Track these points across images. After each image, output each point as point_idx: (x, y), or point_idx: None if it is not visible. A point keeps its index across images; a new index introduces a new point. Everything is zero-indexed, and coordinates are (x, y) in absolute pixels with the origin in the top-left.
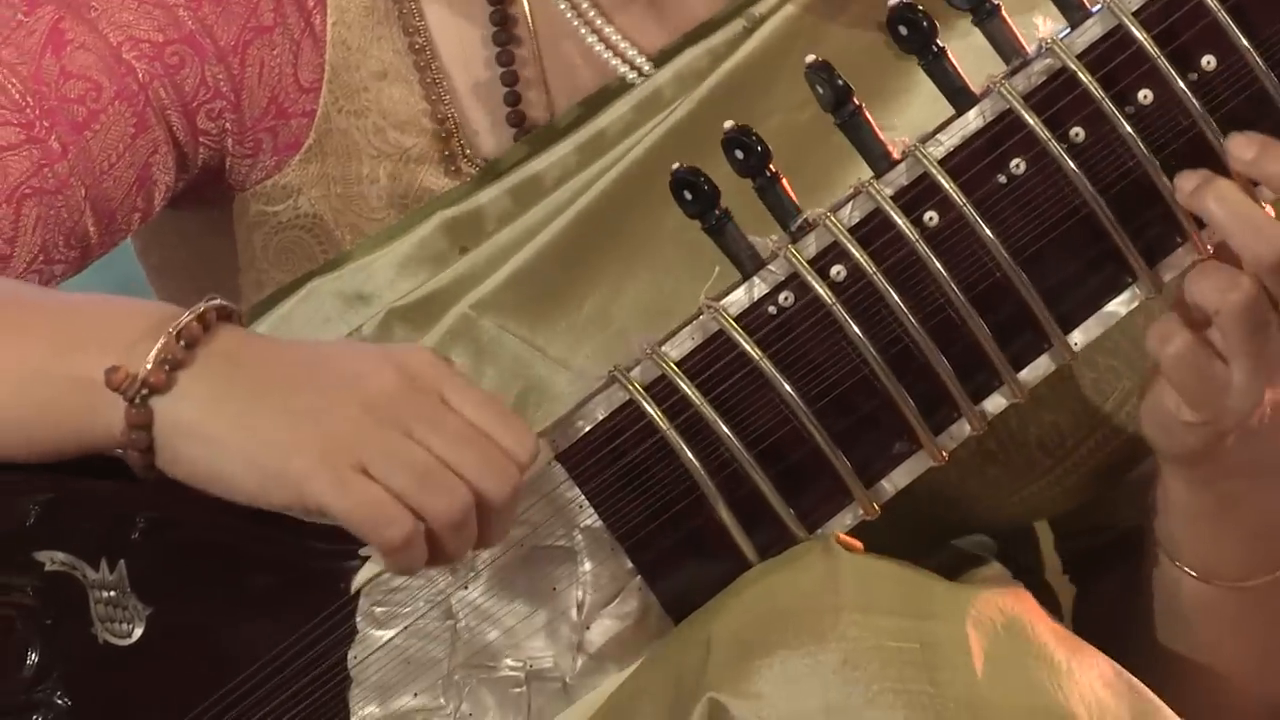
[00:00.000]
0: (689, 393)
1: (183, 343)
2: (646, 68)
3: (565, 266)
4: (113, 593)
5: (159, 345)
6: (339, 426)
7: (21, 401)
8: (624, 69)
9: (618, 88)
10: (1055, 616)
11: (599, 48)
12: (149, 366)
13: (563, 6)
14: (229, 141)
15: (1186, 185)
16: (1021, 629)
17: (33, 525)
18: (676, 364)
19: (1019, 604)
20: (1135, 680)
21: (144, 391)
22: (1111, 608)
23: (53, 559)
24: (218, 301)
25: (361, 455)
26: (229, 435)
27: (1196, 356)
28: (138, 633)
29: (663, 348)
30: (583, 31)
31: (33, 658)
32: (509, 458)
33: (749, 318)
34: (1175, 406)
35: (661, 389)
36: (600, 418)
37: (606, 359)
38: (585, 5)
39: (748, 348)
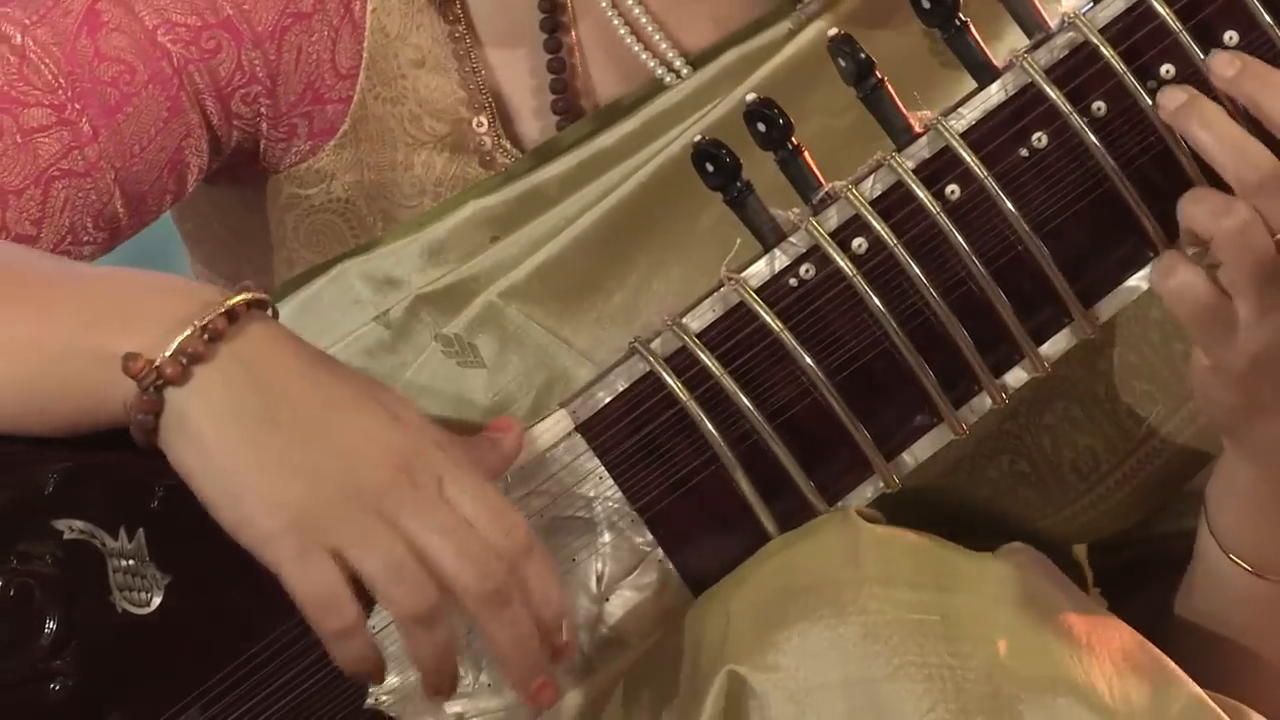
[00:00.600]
0: (709, 364)
1: (207, 336)
2: (684, 70)
3: (596, 259)
4: (131, 561)
5: (182, 337)
6: (324, 501)
7: (42, 378)
8: (660, 69)
9: (655, 86)
10: (1080, 587)
11: (636, 47)
12: (167, 355)
13: (603, 4)
14: (264, 125)
15: (1169, 103)
16: (1043, 602)
17: (51, 493)
18: (697, 336)
19: (1041, 577)
20: (1158, 652)
21: (159, 382)
22: (1144, 621)
23: (71, 527)
24: (249, 295)
25: (336, 538)
26: (222, 460)
27: (1198, 291)
28: (156, 601)
29: (683, 319)
30: (621, 31)
31: (51, 626)
32: (492, 552)
33: (770, 290)
34: (1199, 356)
35: (682, 361)
36: (620, 389)
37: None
38: (629, 2)
39: (768, 320)
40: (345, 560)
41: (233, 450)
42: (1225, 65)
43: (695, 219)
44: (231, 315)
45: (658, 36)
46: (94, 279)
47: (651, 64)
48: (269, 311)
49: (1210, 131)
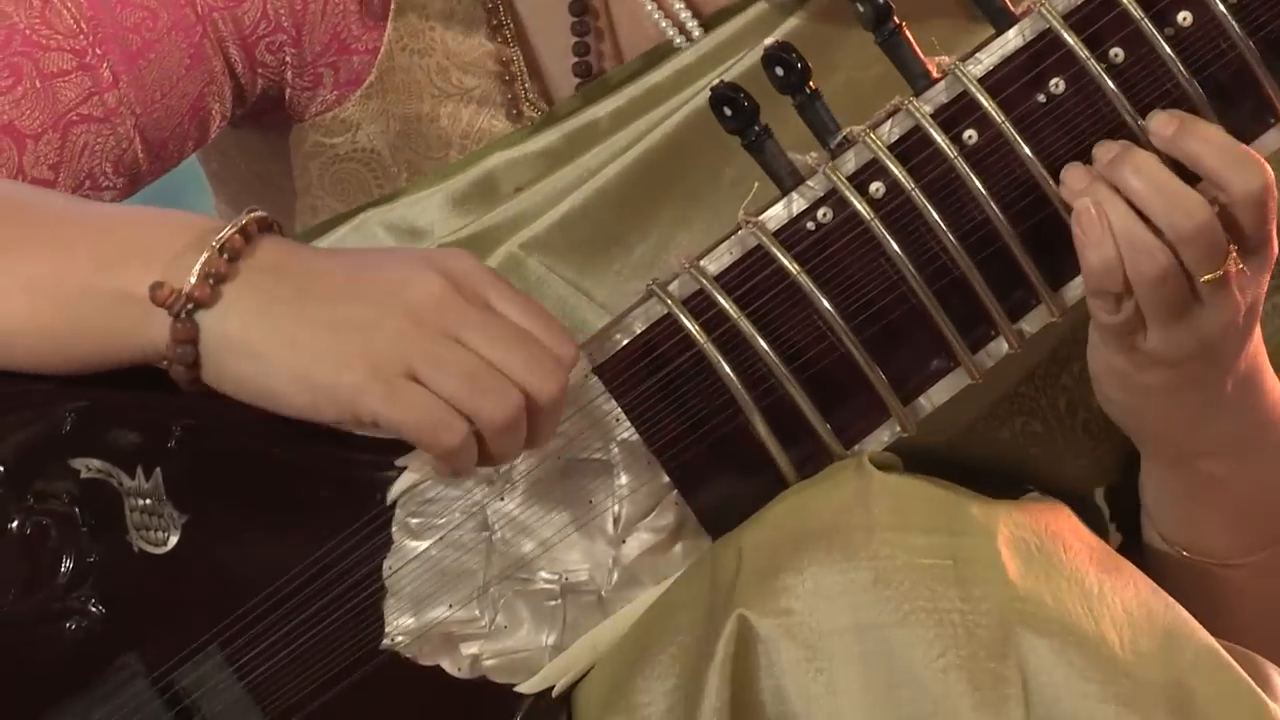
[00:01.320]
0: (726, 307)
1: (226, 256)
2: (696, 31)
3: (618, 212)
4: (148, 500)
5: (203, 259)
6: (387, 336)
7: (63, 317)
8: (671, 30)
9: (678, 41)
10: (1097, 533)
11: (657, 14)
12: (193, 281)
13: None
14: (288, 74)
15: (1104, 155)
16: (1055, 549)
17: (69, 432)
18: (714, 278)
19: (1054, 523)
20: (1171, 600)
21: (189, 306)
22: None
23: (88, 466)
24: (258, 213)
25: (411, 364)
26: (276, 350)
27: (1114, 280)
28: (173, 541)
29: (701, 262)
30: None
31: (67, 565)
32: (554, 358)
33: (787, 233)
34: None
35: (699, 303)
36: (638, 331)
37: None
38: None
39: (786, 263)
40: (425, 384)
41: (282, 338)
42: (1164, 125)
43: (719, 173)
44: (245, 234)
45: (679, 5)
46: (109, 218)
47: (672, 31)
48: (277, 230)
49: (1142, 178)
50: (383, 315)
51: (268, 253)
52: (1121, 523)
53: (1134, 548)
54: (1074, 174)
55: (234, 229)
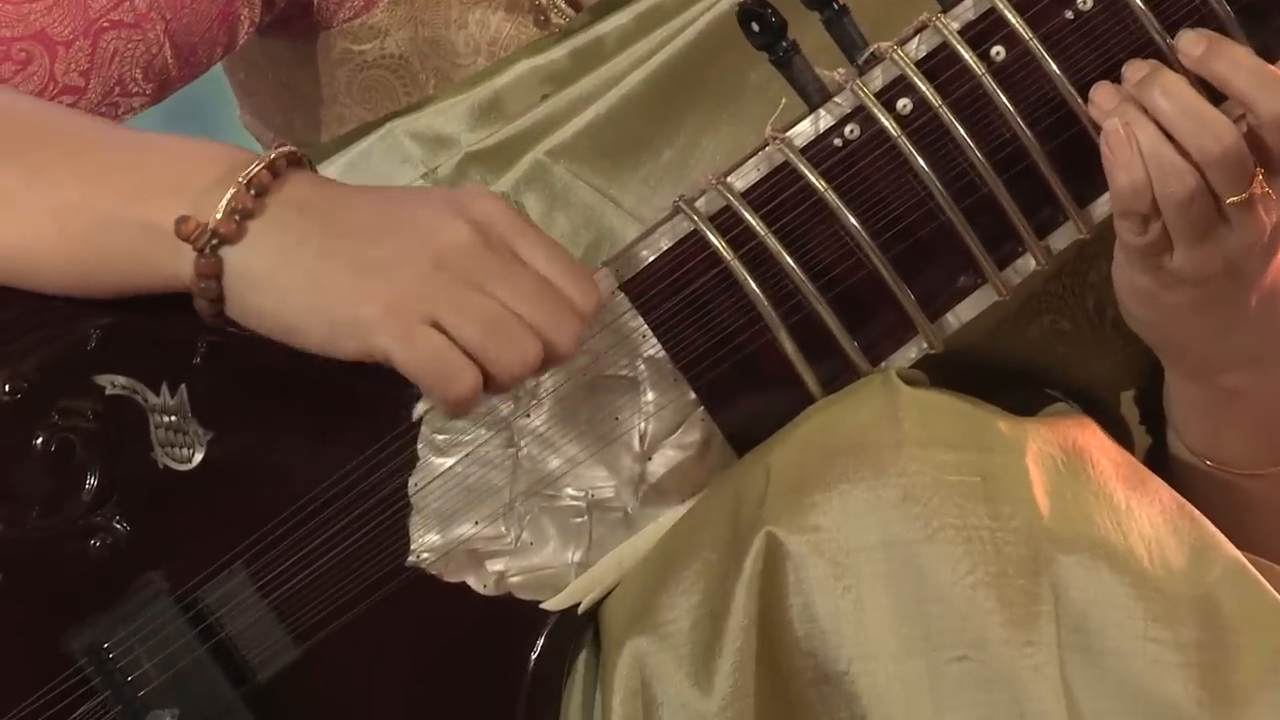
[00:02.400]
0: (753, 224)
1: (253, 191)
2: None
3: (645, 118)
4: (173, 417)
5: (230, 194)
6: (409, 279)
7: (89, 245)
8: None
9: None
10: (1123, 444)
11: None
12: (219, 216)
13: None
14: None
15: (1133, 75)
16: (1082, 465)
17: (94, 349)
18: (741, 195)
19: (1081, 439)
20: (1198, 514)
21: (214, 242)
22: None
23: (113, 383)
24: (287, 148)
25: (431, 308)
26: (298, 286)
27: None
28: (198, 457)
29: (728, 178)
30: None
31: (92, 481)
32: (574, 310)
33: (814, 149)
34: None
35: (726, 220)
36: (664, 248)
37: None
38: None
39: (813, 179)
40: (444, 330)
41: (305, 274)
42: (1192, 45)
43: (744, 77)
44: (274, 169)
45: None
46: (139, 146)
47: None
48: (306, 165)
49: (1171, 101)
50: (407, 257)
51: (295, 188)
52: (1150, 427)
53: (1161, 453)
54: (1103, 93)
55: (262, 165)
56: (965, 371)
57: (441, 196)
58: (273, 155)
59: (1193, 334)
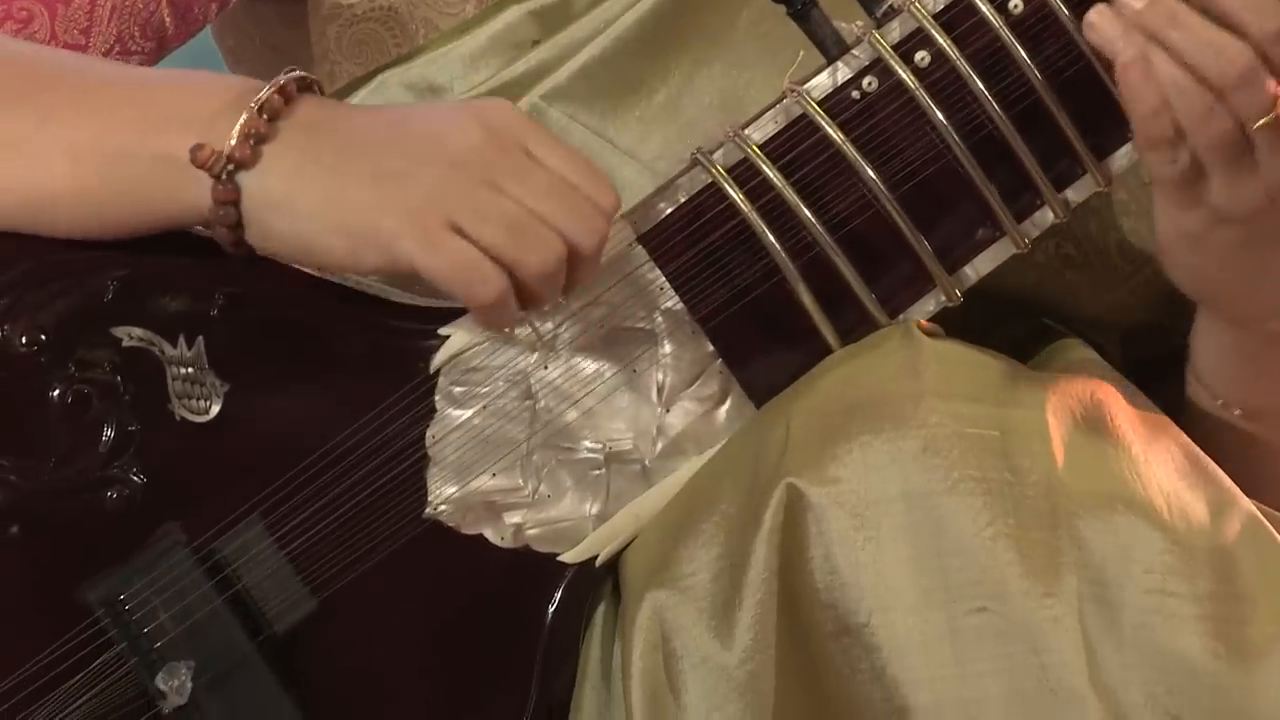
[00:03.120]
0: (771, 176)
1: (265, 116)
2: None
3: (638, 58)
4: (190, 369)
5: (242, 120)
6: (427, 185)
7: (104, 181)
8: None
9: None
10: (1143, 395)
11: None
12: (233, 142)
13: None
14: None
15: (1137, 3)
16: (1101, 418)
17: (110, 301)
18: (759, 147)
19: (1100, 391)
20: (1214, 466)
21: (230, 167)
22: (1172, 409)
23: (130, 335)
24: (297, 73)
25: (451, 212)
26: (317, 204)
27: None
28: (215, 409)
29: (745, 131)
30: None
31: (109, 434)
32: (595, 205)
33: (832, 102)
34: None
35: (744, 172)
36: (681, 200)
37: (676, 150)
38: None
39: (831, 132)
40: (466, 234)
41: (322, 191)
42: None
43: (735, 15)
44: (285, 94)
45: None
46: (148, 81)
47: None
48: (316, 90)
49: (1179, 29)
50: (422, 164)
51: (307, 111)
52: (1137, 380)
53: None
54: (1104, 18)
55: (273, 89)
56: (973, 302)
57: (452, 105)
58: (283, 80)
59: (1242, 277)
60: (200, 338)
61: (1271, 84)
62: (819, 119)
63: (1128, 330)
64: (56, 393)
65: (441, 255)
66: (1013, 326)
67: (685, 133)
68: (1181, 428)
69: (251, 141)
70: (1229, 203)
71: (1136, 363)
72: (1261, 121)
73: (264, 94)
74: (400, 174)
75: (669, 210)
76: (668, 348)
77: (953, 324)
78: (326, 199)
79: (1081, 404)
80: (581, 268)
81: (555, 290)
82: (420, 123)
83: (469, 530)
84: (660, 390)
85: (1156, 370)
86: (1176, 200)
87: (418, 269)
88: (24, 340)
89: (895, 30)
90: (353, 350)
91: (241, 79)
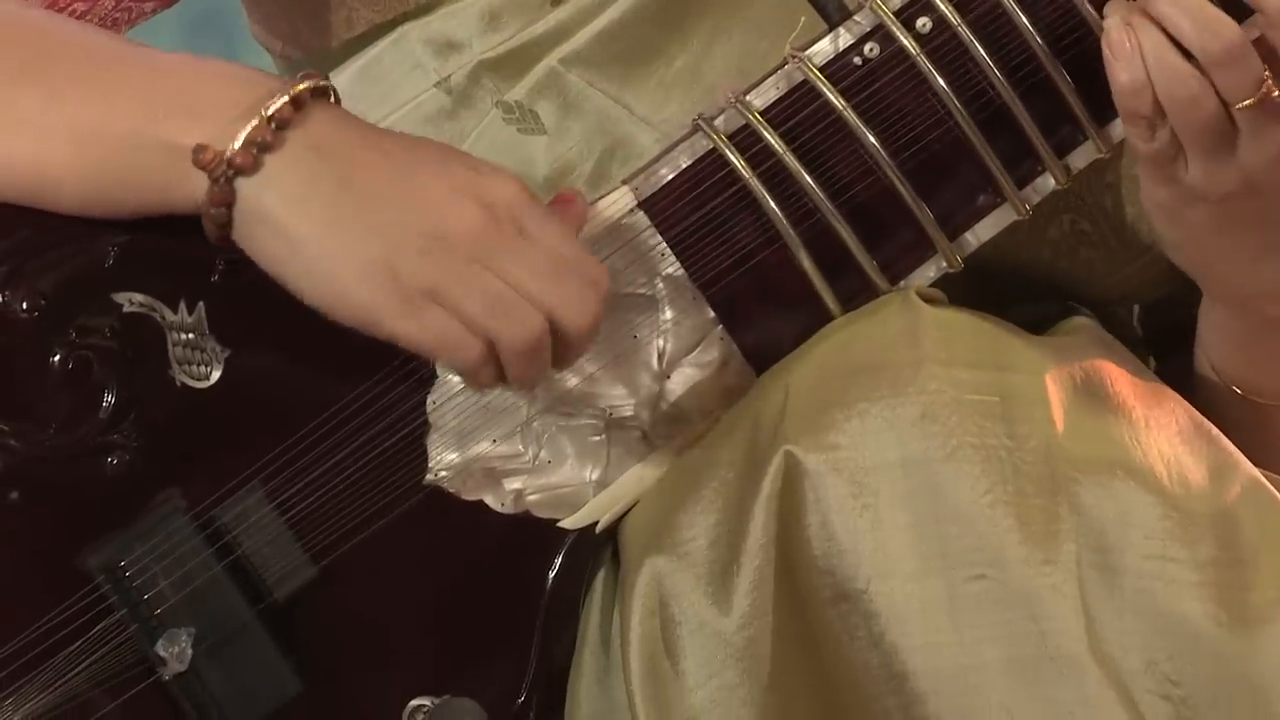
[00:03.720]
0: (772, 142)
1: (274, 125)
2: None
3: (657, 24)
4: (191, 335)
5: (250, 127)
6: (413, 252)
7: (107, 166)
8: None
9: None
10: (1142, 363)
11: None
12: (237, 147)
13: None
14: None
15: None
16: (1100, 384)
17: (111, 266)
18: (760, 113)
19: (1098, 357)
20: (1215, 431)
21: (230, 172)
22: (1188, 379)
23: (131, 300)
24: (310, 82)
25: (433, 282)
26: (307, 239)
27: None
28: (215, 375)
29: (747, 97)
30: None
31: (109, 399)
32: (587, 286)
33: (834, 68)
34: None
35: (745, 138)
36: (683, 166)
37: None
38: None
39: (832, 98)
40: (446, 305)
41: (314, 227)
42: None
43: None
44: (297, 102)
45: None
46: (159, 65)
47: None
48: (331, 98)
49: (1175, 6)
50: (415, 232)
51: (317, 126)
52: (1155, 348)
53: (1170, 372)
54: (1111, 3)
55: (286, 99)
56: (986, 280)
57: (459, 173)
58: (298, 89)
59: (1221, 257)
60: (201, 303)
61: (1259, 64)
62: (820, 85)
63: (1146, 304)
64: (57, 358)
65: (419, 324)
66: (1028, 309)
67: (703, 100)
68: (1192, 398)
69: (255, 150)
70: (1202, 184)
71: (1156, 333)
72: (1244, 103)
73: (277, 103)
74: (391, 233)
75: (670, 176)
76: (669, 313)
77: (965, 305)
78: (316, 237)
79: (1082, 369)
80: (571, 346)
81: (540, 367)
82: (421, 184)
83: (469, 496)
84: (661, 356)
85: (1175, 341)
86: (1152, 175)
87: (396, 338)
88: (25, 306)
89: None
90: None
91: (256, 74)
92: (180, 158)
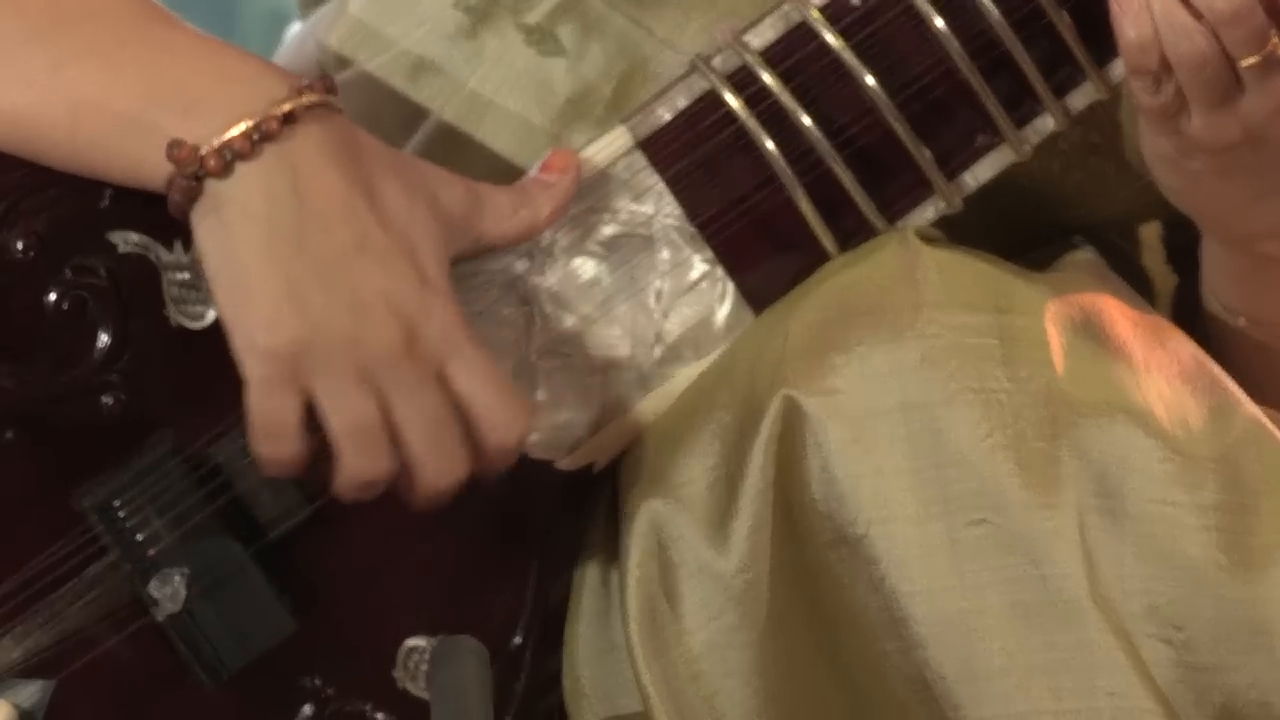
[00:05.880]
0: (770, 82)
1: (257, 136)
2: None
3: None
4: (186, 274)
5: (231, 134)
6: (318, 345)
7: (95, 143)
8: None
9: None
10: (1147, 300)
11: None
12: (213, 148)
13: None
14: None
15: None
16: (1101, 325)
17: (106, 206)
18: (758, 53)
19: (1098, 298)
20: (1218, 371)
21: (200, 171)
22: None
23: (126, 240)
24: (313, 97)
25: (313, 382)
26: (241, 263)
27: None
28: (210, 315)
29: (745, 37)
30: None
31: (104, 339)
32: (461, 454)
33: (832, 8)
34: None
35: (742, 78)
36: (681, 106)
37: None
38: None
39: (830, 38)
40: (314, 406)
41: (254, 256)
42: None
43: None
44: (290, 118)
45: None
46: (175, 48)
47: None
48: (333, 110)
49: None
50: (329, 325)
51: (303, 144)
52: (1176, 266)
53: (1188, 296)
54: None
55: (280, 110)
56: (997, 199)
57: (406, 283)
58: (299, 101)
59: (1222, 203)
60: None
61: (1265, 21)
62: (818, 26)
63: (1167, 223)
64: (52, 298)
65: (265, 404)
66: (1032, 232)
67: (723, 21)
68: (1199, 325)
69: (229, 155)
70: (1205, 136)
71: (1179, 250)
72: (1249, 60)
73: (267, 114)
74: (310, 312)
75: (668, 116)
76: (666, 254)
77: (970, 223)
78: (248, 269)
79: (1082, 309)
80: (416, 500)
81: (363, 497)
82: (368, 275)
83: None
84: (658, 295)
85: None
86: (1154, 126)
87: (246, 398)
88: (20, 246)
89: None
90: None
91: (262, 75)
92: (160, 143)
